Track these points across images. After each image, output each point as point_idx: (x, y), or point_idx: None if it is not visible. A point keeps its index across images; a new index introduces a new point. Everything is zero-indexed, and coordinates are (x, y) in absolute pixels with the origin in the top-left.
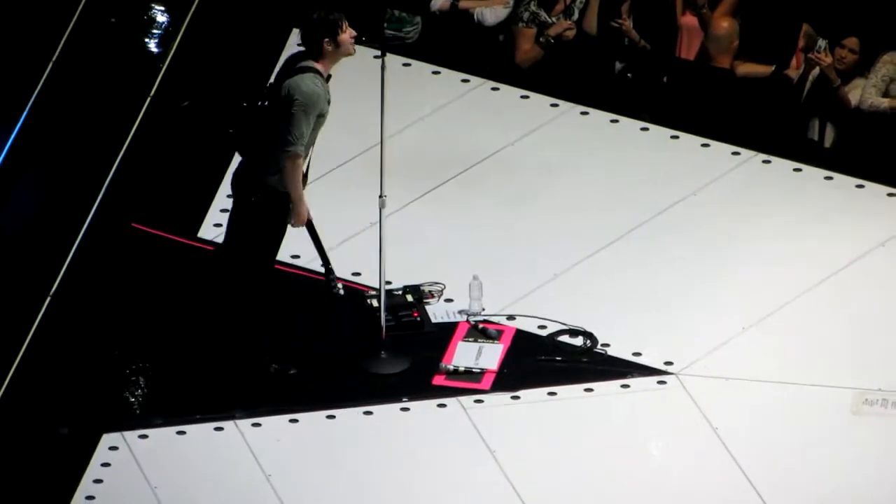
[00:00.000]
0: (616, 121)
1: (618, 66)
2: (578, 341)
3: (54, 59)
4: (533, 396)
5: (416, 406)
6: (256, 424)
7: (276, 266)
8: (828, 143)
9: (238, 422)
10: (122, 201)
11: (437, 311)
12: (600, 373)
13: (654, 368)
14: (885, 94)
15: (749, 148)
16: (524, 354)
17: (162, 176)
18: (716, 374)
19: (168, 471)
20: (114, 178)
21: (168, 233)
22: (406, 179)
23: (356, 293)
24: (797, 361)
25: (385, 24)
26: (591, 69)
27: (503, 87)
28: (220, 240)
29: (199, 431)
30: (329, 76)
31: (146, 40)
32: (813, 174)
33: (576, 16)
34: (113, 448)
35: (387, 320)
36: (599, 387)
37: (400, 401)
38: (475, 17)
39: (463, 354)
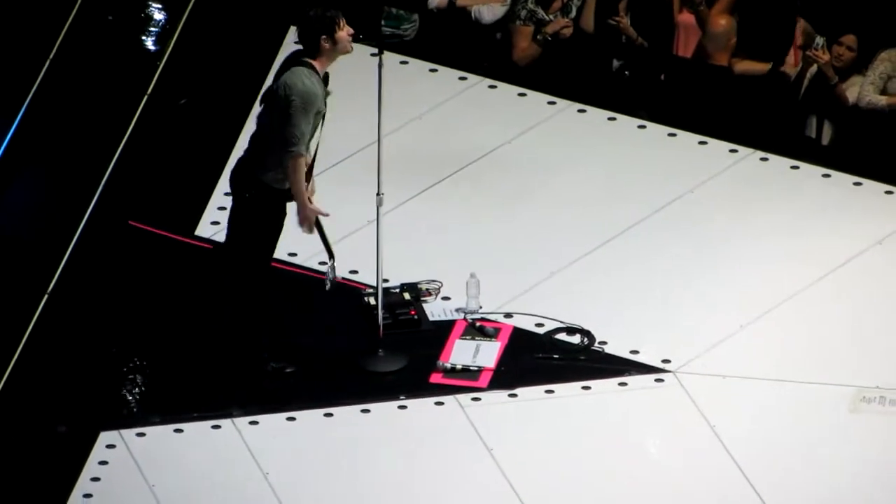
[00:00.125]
0: (613, 118)
1: (615, 63)
2: (576, 339)
3: (51, 56)
4: (530, 394)
5: (414, 404)
6: (254, 422)
7: (274, 264)
8: (825, 140)
9: (235, 420)
10: (119, 199)
11: (435, 309)
12: (598, 371)
13: (652, 366)
14: (883, 92)
15: (747, 145)
16: (522, 352)
17: (159, 174)
18: (713, 371)
19: (165, 469)
20: (111, 176)
21: (165, 231)
22: (403, 177)
23: (354, 291)
24: (795, 359)
25: (383, 22)
26: (589, 67)
27: (500, 84)
28: (217, 238)
29: (197, 429)
30: (327, 74)
31: (143, 38)
32: (811, 172)
33: (573, 13)
34: (110, 446)
35: (384, 318)
36: (597, 385)
37: (397, 399)
38: (472, 14)
39: (460, 352)
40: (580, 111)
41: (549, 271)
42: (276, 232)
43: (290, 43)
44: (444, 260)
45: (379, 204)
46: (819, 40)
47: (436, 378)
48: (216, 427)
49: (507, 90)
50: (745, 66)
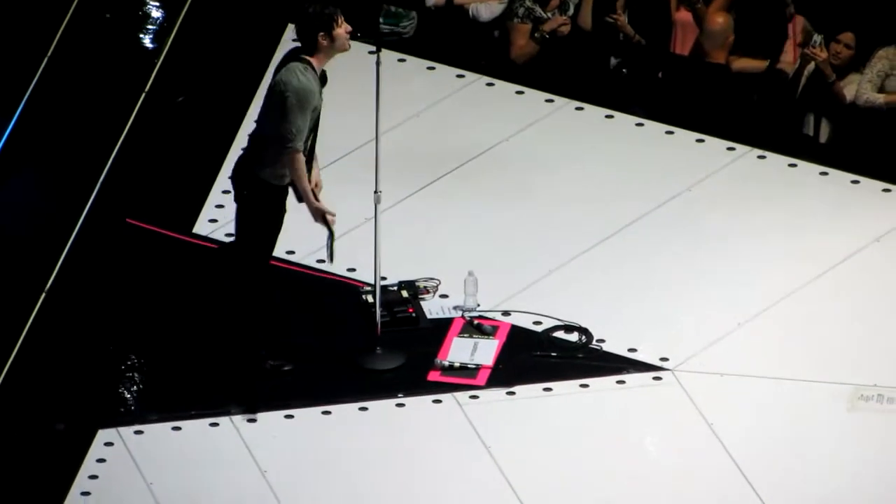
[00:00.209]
0: (611, 116)
1: (613, 61)
2: (574, 337)
3: (49, 54)
4: (528, 392)
5: (412, 402)
6: (252, 420)
7: (271, 262)
8: (823, 138)
9: (233, 417)
10: (117, 197)
11: (433, 307)
12: (596, 369)
13: (650, 364)
14: (881, 90)
15: (744, 143)
16: (519, 350)
17: (157, 171)
18: (711, 369)
19: (163, 466)
20: (109, 174)
21: (163, 228)
22: (401, 175)
23: (351, 289)
24: (792, 357)
25: (381, 20)
26: (586, 65)
27: (498, 82)
28: (215, 235)
29: (195, 427)
30: (324, 72)
31: (141, 36)
32: (808, 170)
33: (571, 11)
34: (108, 444)
35: (382, 316)
36: (595, 383)
37: (395, 397)
38: (470, 12)
39: (458, 350)
40: (578, 109)
41: (547, 269)
42: (276, 229)
43: (288, 40)
44: (442, 258)
45: (377, 201)
46: (817, 38)
47: (434, 376)
48: (214, 425)
49: (505, 88)
50: (742, 63)
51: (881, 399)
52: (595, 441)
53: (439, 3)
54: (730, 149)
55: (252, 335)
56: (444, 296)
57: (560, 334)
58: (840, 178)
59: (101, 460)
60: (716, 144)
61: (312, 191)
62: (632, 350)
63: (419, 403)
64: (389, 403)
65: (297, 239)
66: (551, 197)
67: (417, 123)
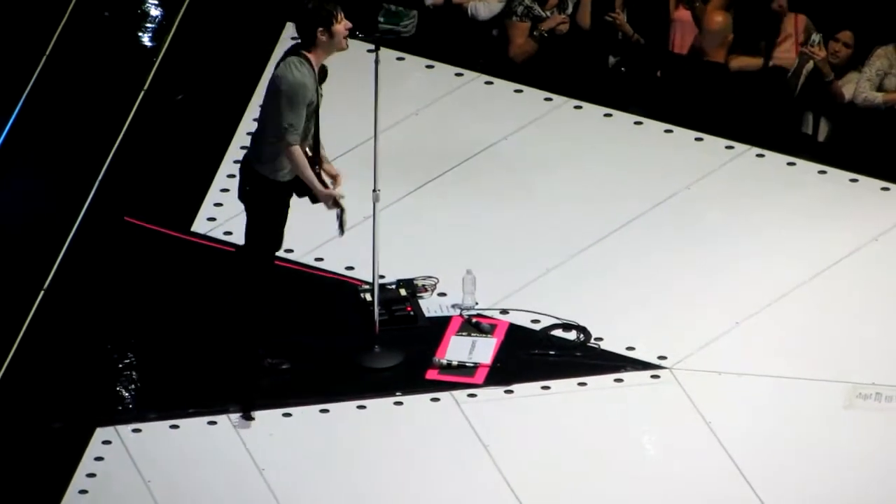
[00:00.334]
0: (610, 115)
1: (611, 60)
2: (572, 335)
3: (48, 53)
4: (526, 391)
5: (410, 400)
6: (250, 419)
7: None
8: (822, 137)
9: (231, 416)
10: (115, 195)
11: (431, 306)
12: (594, 367)
13: (648, 363)
14: (880, 88)
15: (743, 142)
16: (517, 349)
17: (155, 170)
18: (709, 368)
19: (161, 465)
20: (107, 172)
21: (161, 227)
22: (400, 173)
23: (350, 287)
24: (790, 355)
25: (382, 19)
26: (585, 63)
27: (497, 81)
28: (213, 234)
29: (193, 425)
30: (324, 67)
31: (140, 34)
32: (807, 168)
33: (569, 10)
34: (106, 442)
35: (380, 314)
36: (593, 381)
37: (393, 395)
38: (469, 11)
39: (456, 349)
40: (576, 107)
41: (546, 267)
42: (278, 225)
43: (287, 39)
44: (441, 256)
45: (375, 200)
46: (815, 37)
47: (432, 374)
48: (212, 423)
49: (504, 86)
50: (741, 62)
51: (879, 397)
52: (593, 439)
53: (438, 1)
54: (728, 147)
55: (252, 333)
56: (442, 294)
57: (558, 333)
58: (839, 177)
59: (99, 458)
60: (715, 143)
61: (319, 178)
62: (630, 348)
63: (417, 402)
64: (387, 402)
65: (296, 238)
66: (550, 195)
67: (416, 122)
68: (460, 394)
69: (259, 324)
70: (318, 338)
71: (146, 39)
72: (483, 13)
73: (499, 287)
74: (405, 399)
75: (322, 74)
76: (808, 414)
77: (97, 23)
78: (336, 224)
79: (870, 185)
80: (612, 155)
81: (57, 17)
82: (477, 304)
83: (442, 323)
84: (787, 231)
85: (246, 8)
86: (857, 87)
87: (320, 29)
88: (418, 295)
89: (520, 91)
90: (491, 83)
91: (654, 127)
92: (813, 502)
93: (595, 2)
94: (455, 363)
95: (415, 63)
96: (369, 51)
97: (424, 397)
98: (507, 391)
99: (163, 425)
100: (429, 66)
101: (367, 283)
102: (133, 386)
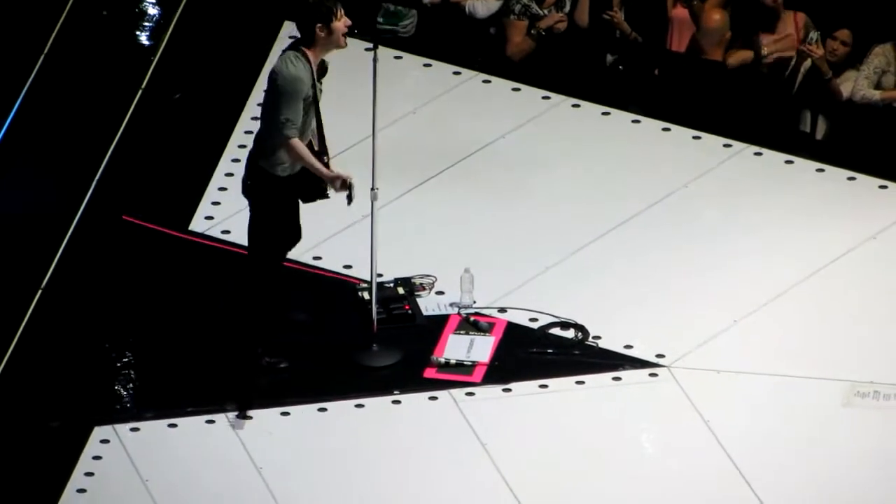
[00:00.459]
0: (607, 113)
1: (609, 58)
2: (570, 334)
3: (46, 51)
4: (524, 389)
5: (408, 399)
6: (248, 417)
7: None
8: (819, 135)
9: (229, 415)
10: (113, 194)
11: (429, 304)
12: (592, 365)
13: (646, 361)
14: (877, 86)
15: (741, 140)
16: (516, 347)
17: (153, 169)
18: (707, 366)
19: (159, 464)
20: (105, 171)
21: (159, 225)
22: (398, 172)
23: (348, 286)
24: (788, 353)
25: (381, 19)
26: (583, 62)
27: (495, 79)
28: (211, 233)
29: (191, 424)
30: (324, 62)
31: (137, 33)
32: (805, 166)
33: (567, 8)
34: (104, 441)
35: (378, 313)
36: (591, 379)
37: (391, 394)
38: (467, 9)
39: (454, 347)
40: (574, 106)
41: (544, 266)
42: (281, 221)
43: (285, 37)
44: (438, 254)
45: (373, 199)
46: (813, 35)
47: (430, 373)
48: (210, 422)
49: (502, 85)
50: (737, 57)
51: (877, 395)
52: (591, 437)
53: (436, 0)
54: (726, 145)
55: (251, 332)
56: (440, 293)
57: (556, 331)
58: (836, 175)
59: (97, 457)
60: (712, 141)
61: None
62: (628, 347)
63: (415, 400)
64: (385, 400)
65: None
66: (547, 194)
67: (414, 120)
68: (458, 392)
69: (261, 322)
70: (316, 336)
71: (144, 38)
72: (481, 11)
73: (497, 285)
74: (403, 398)
75: (322, 70)
76: (807, 412)
77: (95, 21)
78: (345, 196)
79: (868, 183)
80: (610, 153)
81: (55, 16)
82: (475, 302)
83: (440, 321)
84: (786, 229)
85: (244, 7)
86: (855, 85)
87: (319, 25)
88: (416, 293)
89: (517, 89)
90: (489, 82)
91: (651, 125)
92: (811, 500)
93: (593, 0)
94: (453, 362)
95: (412, 61)
96: (367, 49)
97: (422, 396)
98: (505, 390)
99: (161, 424)
100: (426, 65)
101: (365, 281)
102: (131, 385)
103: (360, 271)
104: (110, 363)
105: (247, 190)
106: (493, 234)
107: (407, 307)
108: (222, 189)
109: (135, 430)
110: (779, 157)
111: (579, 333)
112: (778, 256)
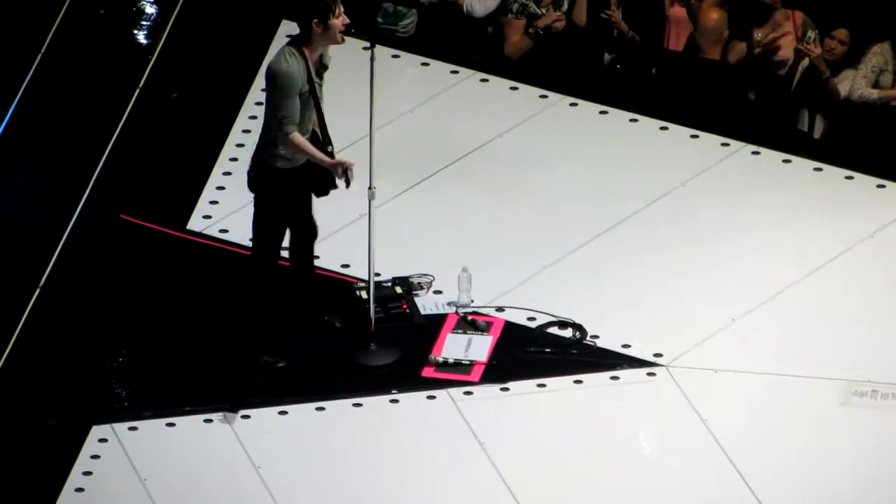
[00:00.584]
0: (605, 112)
1: (607, 57)
2: (568, 333)
3: (43, 50)
4: (522, 388)
5: (406, 398)
6: (246, 416)
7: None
8: (817, 134)
9: (227, 414)
10: (111, 193)
11: (427, 303)
12: (590, 364)
13: (644, 360)
14: (875, 85)
15: (738, 139)
16: (513, 346)
17: (151, 168)
18: (705, 365)
19: (157, 463)
20: (103, 170)
21: (157, 224)
22: (395, 171)
23: (345, 285)
24: (786, 353)
25: (381, 20)
26: (581, 60)
27: (492, 78)
28: (209, 232)
29: (189, 423)
30: (323, 58)
31: (135, 32)
32: (802, 165)
33: (565, 7)
34: (102, 440)
35: (376, 312)
36: (589, 378)
37: (389, 393)
38: (464, 8)
39: (452, 346)
40: (572, 105)
41: (542, 265)
42: (279, 210)
43: (282, 36)
44: (436, 254)
45: (371, 197)
46: (811, 34)
47: (428, 372)
48: (208, 421)
49: (499, 84)
50: (738, 52)
51: (875, 394)
52: (589, 437)
53: None
54: (724, 144)
55: (250, 331)
56: (438, 292)
57: (554, 330)
58: (834, 174)
59: (95, 456)
60: (710, 140)
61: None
62: (626, 346)
63: (413, 399)
64: (383, 399)
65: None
66: (545, 193)
67: (411, 119)
68: (456, 391)
69: (261, 321)
70: (314, 335)
71: (142, 37)
72: (478, 10)
73: (494, 284)
74: (401, 397)
75: (322, 65)
76: (805, 411)
77: (93, 20)
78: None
79: (865, 182)
80: (607, 152)
81: (52, 15)
82: (473, 301)
83: (438, 320)
84: (784, 228)
85: (241, 6)
86: (853, 84)
87: (316, 20)
88: (414, 292)
89: (515, 88)
90: (486, 80)
91: (649, 124)
92: (809, 499)
93: None
94: (451, 361)
95: (410, 60)
96: (364, 48)
97: (420, 395)
98: (503, 389)
99: (159, 423)
100: (424, 64)
101: (363, 280)
102: (129, 384)
103: (358, 271)
104: (108, 362)
105: (251, 182)
106: (491, 233)
107: (405, 306)
108: (220, 188)
109: (133, 429)
110: (777, 156)
111: (577, 333)
112: (776, 255)
